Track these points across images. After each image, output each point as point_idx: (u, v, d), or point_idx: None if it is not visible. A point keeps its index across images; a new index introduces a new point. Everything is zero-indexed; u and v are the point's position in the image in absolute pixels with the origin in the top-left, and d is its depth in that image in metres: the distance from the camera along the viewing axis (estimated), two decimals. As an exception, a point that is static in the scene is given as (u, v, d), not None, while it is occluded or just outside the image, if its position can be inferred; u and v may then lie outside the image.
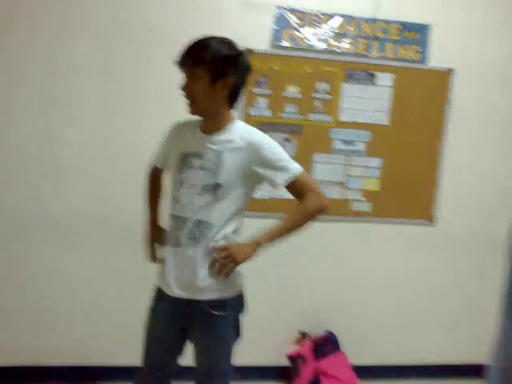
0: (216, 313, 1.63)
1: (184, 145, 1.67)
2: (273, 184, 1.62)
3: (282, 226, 1.63)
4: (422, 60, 2.80)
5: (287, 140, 2.72)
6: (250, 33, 2.60)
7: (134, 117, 2.56)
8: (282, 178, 1.61)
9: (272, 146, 1.62)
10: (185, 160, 1.64)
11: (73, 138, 2.54)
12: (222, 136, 1.61)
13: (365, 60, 2.74)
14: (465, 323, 3.00)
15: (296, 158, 2.69)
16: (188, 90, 1.57)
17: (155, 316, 1.75)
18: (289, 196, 2.70)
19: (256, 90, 2.64)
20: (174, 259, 1.66)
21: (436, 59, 2.81)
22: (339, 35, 2.70)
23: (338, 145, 2.78)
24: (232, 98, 1.63)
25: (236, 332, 1.73)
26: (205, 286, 1.63)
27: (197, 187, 1.61)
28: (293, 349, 2.78)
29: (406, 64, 2.79)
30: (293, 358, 2.72)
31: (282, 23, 2.63)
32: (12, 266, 2.58)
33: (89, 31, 2.49)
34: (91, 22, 2.48)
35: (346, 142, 2.79)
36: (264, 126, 2.67)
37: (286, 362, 2.79)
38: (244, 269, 2.72)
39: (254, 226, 2.70)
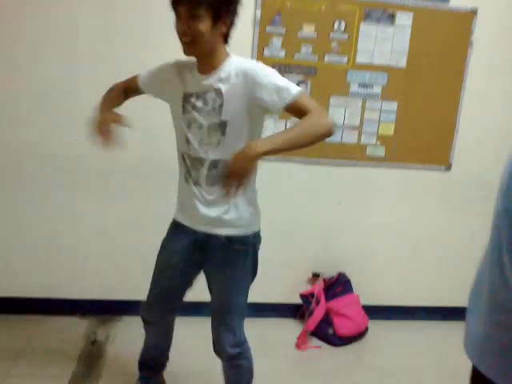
0: (237, 247, 1.68)
1: (185, 85, 1.66)
2: (273, 107, 1.53)
3: (287, 136, 1.49)
4: (444, -1, 2.68)
5: (302, 82, 2.67)
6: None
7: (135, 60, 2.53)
8: (281, 100, 1.51)
9: (266, 69, 1.58)
10: (187, 100, 1.64)
11: (78, 80, 2.54)
12: (220, 73, 1.59)
13: (384, -2, 2.64)
14: (476, 268, 3.03)
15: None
16: (189, 29, 1.50)
17: (171, 248, 1.80)
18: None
19: (270, 29, 2.57)
20: (195, 196, 1.68)
21: (458, -1, 2.70)
22: (358, -29, 2.59)
23: (355, 88, 2.73)
24: (227, 37, 1.61)
25: (253, 269, 1.77)
26: (227, 222, 1.66)
27: (204, 127, 1.61)
28: (306, 288, 2.85)
29: (427, 3, 2.68)
30: (305, 297, 2.80)
31: (297, -43, 2.53)
32: (32, 205, 2.65)
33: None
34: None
35: (363, 85, 2.73)
36: (278, 67, 2.61)
37: (299, 301, 2.87)
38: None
39: (270, 170, 2.74)
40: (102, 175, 2.66)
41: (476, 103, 2.83)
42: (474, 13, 2.71)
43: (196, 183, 1.67)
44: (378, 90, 2.75)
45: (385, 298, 3.02)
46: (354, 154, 2.81)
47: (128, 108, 2.63)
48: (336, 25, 2.63)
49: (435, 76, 2.77)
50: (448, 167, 2.90)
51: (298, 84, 2.61)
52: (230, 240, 1.68)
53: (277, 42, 2.59)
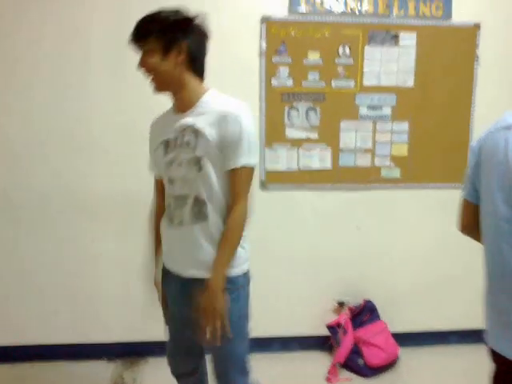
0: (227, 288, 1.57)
1: (164, 133, 1.63)
2: (224, 163, 1.54)
3: (224, 252, 1.55)
4: (446, 16, 2.69)
5: (311, 109, 2.66)
6: (267, 0, 2.55)
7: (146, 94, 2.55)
8: (228, 162, 1.53)
9: (241, 121, 1.51)
10: (168, 144, 1.61)
11: (90, 116, 2.57)
12: (195, 110, 1.55)
13: (386, 20, 2.65)
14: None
15: (321, 127, 2.71)
16: (144, 65, 1.51)
17: (168, 298, 1.73)
18: (317, 166, 2.71)
19: (276, 58, 2.59)
20: (178, 239, 1.61)
21: (460, 14, 2.70)
22: (358, -4, 2.61)
23: (364, 110, 2.71)
24: (195, 68, 1.55)
25: (244, 309, 1.66)
26: (210, 263, 1.55)
27: (183, 164, 1.56)
28: (331, 318, 2.76)
29: (430, 21, 2.68)
30: (332, 328, 2.70)
31: (298, -12, 2.56)
32: (38, 245, 2.64)
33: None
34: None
35: (372, 107, 2.72)
36: (287, 95, 2.62)
37: (325, 332, 2.78)
38: (276, 242, 2.75)
39: (285, 199, 2.72)
40: (119, 215, 2.65)
41: (487, 117, 2.76)
42: (477, 27, 2.71)
43: (180, 223, 1.59)
44: (387, 111, 2.73)
45: (414, 323, 2.92)
46: (368, 178, 2.76)
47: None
48: (341, 50, 2.63)
49: (444, 93, 2.75)
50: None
51: (307, 111, 2.68)
52: None
53: (284, 71, 2.60)
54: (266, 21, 2.54)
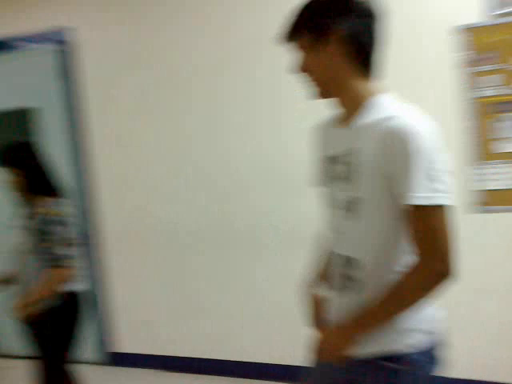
0: (387, 365, 1.15)
1: (325, 147, 1.29)
2: (399, 200, 1.09)
3: (384, 315, 1.13)
4: None
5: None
6: (461, 7, 2.33)
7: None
8: (403, 197, 1.07)
9: (413, 143, 1.04)
10: (326, 168, 1.26)
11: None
12: (358, 122, 1.15)
13: None
14: None
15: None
16: (300, 68, 1.19)
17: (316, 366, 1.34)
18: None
19: (479, 68, 2.33)
20: (335, 306, 1.26)
21: None
22: None
23: None
24: (359, 60, 1.15)
25: None
26: (369, 338, 1.16)
27: (339, 206, 1.19)
28: None
29: None
30: None
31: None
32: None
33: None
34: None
35: None
36: (499, 105, 2.32)
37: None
38: (496, 272, 2.36)
39: (507, 222, 2.35)
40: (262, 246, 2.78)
41: None
42: None
43: (332, 287, 1.27)
44: None
45: None
46: None
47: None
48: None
49: None
50: None
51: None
52: (377, 358, 1.16)
53: (488, 79, 2.32)
54: (463, 29, 2.32)
